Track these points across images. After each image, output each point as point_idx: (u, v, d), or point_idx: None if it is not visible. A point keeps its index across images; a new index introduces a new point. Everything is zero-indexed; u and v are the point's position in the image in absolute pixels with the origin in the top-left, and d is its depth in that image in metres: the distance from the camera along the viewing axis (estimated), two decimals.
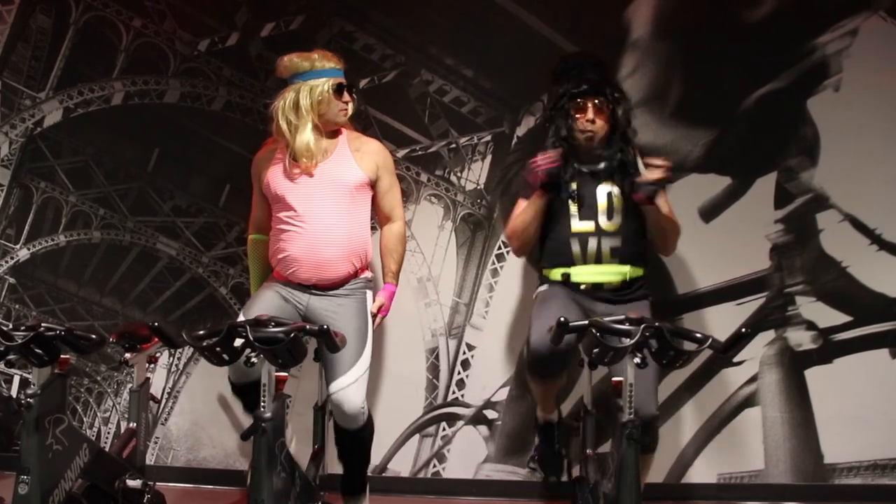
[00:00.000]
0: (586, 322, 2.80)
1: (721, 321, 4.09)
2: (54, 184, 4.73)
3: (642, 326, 2.71)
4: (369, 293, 3.47)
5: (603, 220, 3.39)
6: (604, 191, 3.42)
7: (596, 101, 3.39)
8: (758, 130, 4.15)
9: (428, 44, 4.50)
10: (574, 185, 3.42)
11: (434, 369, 4.48)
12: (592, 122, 3.39)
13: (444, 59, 4.50)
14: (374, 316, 3.46)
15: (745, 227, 4.15)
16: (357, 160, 3.39)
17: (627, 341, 2.72)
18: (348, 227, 3.37)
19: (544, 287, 3.51)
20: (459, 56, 4.49)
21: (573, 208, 3.40)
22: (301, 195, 3.36)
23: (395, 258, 3.52)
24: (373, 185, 3.44)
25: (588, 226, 3.39)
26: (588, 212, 3.39)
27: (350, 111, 3.41)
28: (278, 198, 3.39)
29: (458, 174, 4.53)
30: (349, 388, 3.32)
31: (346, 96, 3.37)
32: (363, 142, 3.46)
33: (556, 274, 3.44)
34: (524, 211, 3.50)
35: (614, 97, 3.40)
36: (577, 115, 3.42)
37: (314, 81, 3.32)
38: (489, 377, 4.40)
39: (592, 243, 3.38)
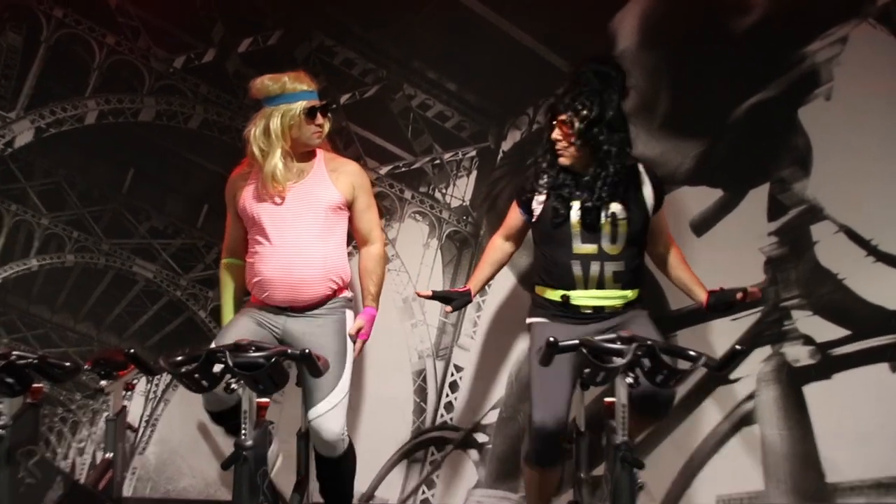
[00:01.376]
0: (577, 341, 2.78)
1: (716, 337, 4.10)
2: (26, 206, 4.72)
3: (634, 345, 2.69)
4: (349, 313, 3.44)
5: (606, 244, 3.32)
6: (606, 211, 3.33)
7: (563, 118, 3.29)
8: (749, 141, 4.16)
9: (410, 57, 4.51)
10: (577, 205, 3.33)
11: (421, 392, 4.47)
12: (558, 139, 3.31)
13: (426, 73, 4.51)
14: (353, 338, 3.42)
15: (738, 241, 4.15)
16: (333, 180, 3.37)
17: (619, 361, 2.70)
18: (324, 248, 3.35)
19: (539, 320, 3.43)
20: (442, 69, 4.50)
21: (575, 228, 3.33)
22: (276, 216, 3.34)
23: (375, 280, 3.48)
24: (349, 205, 3.42)
25: (591, 248, 3.32)
26: (590, 234, 3.31)
27: (325, 132, 3.39)
28: (253, 220, 3.37)
29: (443, 191, 4.53)
30: (327, 414, 3.29)
31: (320, 119, 3.34)
32: (340, 163, 3.44)
33: (554, 294, 3.38)
34: (482, 264, 3.57)
35: (575, 110, 3.25)
36: (552, 133, 3.35)
37: (286, 106, 3.29)
38: (478, 399, 4.39)
39: (595, 267, 3.31)
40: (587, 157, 3.32)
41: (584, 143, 3.27)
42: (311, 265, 3.32)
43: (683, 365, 2.76)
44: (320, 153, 3.44)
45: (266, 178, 3.30)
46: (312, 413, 3.31)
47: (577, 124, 3.26)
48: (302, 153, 3.38)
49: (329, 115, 3.40)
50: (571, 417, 3.36)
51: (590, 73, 3.28)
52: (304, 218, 3.34)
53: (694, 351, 2.76)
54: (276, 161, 3.29)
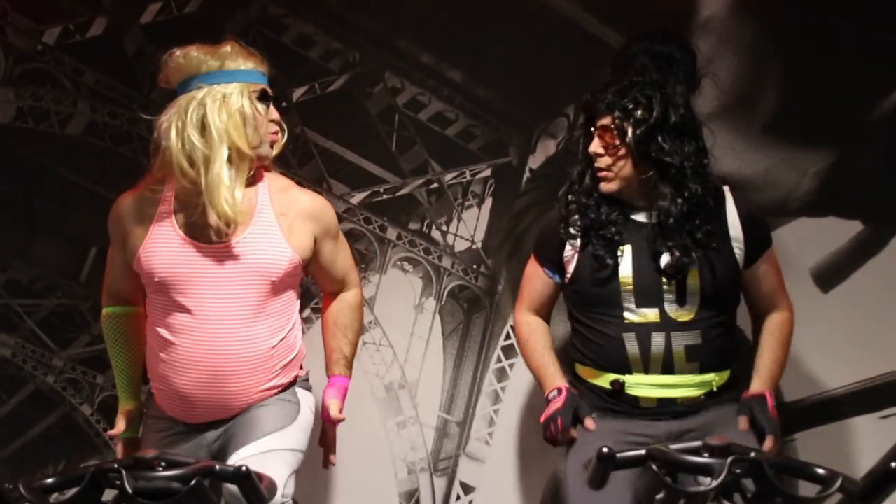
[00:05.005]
0: (643, 452, 2.64)
1: (854, 445, 4.03)
2: None
3: (730, 459, 2.59)
4: (305, 394, 3.46)
5: (671, 307, 3.32)
6: (672, 257, 3.31)
7: (604, 123, 3.30)
8: None
9: (395, 34, 4.60)
10: (628, 250, 3.34)
11: None
12: (597, 155, 3.32)
13: (418, 57, 4.59)
14: (334, 422, 3.44)
15: (885, 300, 4.05)
16: (285, 231, 3.32)
17: (708, 482, 2.61)
18: (268, 337, 3.32)
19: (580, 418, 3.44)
20: (442, 51, 4.56)
21: (626, 285, 3.32)
22: (195, 288, 3.27)
23: (350, 338, 3.53)
24: (308, 263, 3.42)
25: (650, 314, 3.33)
26: (648, 293, 3.31)
27: (281, 140, 3.37)
28: (156, 284, 3.30)
29: (444, 227, 4.59)
30: (262, 456, 3.22)
31: (274, 113, 3.33)
32: (292, 198, 3.38)
33: (602, 379, 3.40)
34: (532, 357, 3.56)
35: (624, 109, 3.25)
36: (589, 147, 3.36)
37: (230, 85, 3.24)
38: None
39: (658, 341, 3.32)
40: (642, 180, 3.32)
41: (641, 160, 3.27)
42: (249, 368, 3.30)
43: (808, 490, 2.68)
44: (264, 180, 3.38)
45: (216, 207, 3.18)
46: (236, 455, 3.24)
47: (628, 132, 3.26)
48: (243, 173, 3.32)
49: (283, 111, 3.43)
50: None
51: (644, 57, 3.33)
52: (237, 293, 3.28)
53: (824, 468, 2.64)
54: (223, 176, 3.18)
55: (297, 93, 4.56)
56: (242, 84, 3.26)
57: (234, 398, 3.32)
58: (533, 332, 3.57)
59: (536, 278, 3.51)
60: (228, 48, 3.29)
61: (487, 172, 4.55)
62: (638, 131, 3.23)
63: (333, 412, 3.40)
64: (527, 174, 4.49)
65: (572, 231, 3.37)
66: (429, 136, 4.56)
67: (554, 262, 3.44)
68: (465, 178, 4.56)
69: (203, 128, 3.19)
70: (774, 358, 3.44)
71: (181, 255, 3.27)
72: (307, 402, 3.44)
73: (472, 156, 4.55)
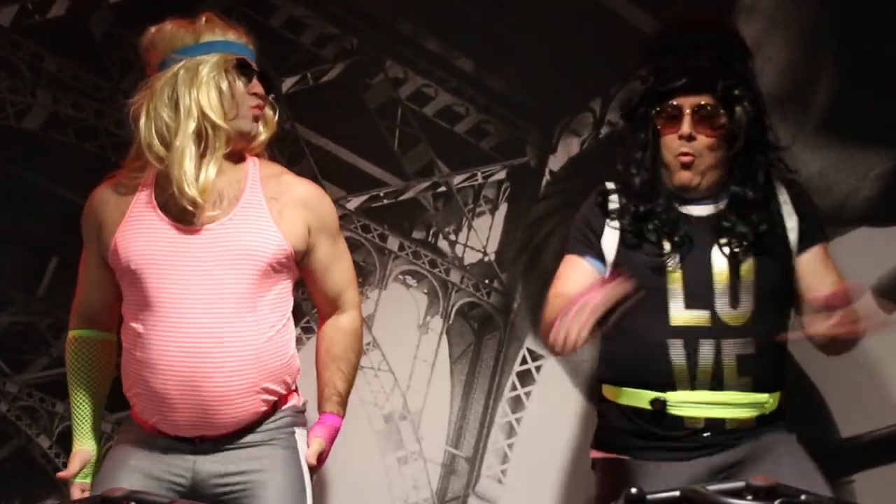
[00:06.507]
0: (677, 493, 2.72)
1: None
2: None
3: (778, 502, 2.62)
4: (301, 432, 3.44)
5: (723, 308, 3.34)
6: (723, 253, 3.37)
7: (701, 102, 3.36)
8: None
9: (397, 17, 4.58)
10: (669, 245, 3.38)
11: None
12: (690, 138, 3.36)
13: (424, 44, 4.57)
14: (312, 470, 3.42)
15: None
16: (275, 215, 3.35)
17: None
18: (255, 333, 3.31)
19: (607, 454, 3.45)
20: (451, 37, 4.53)
21: (675, 283, 3.35)
22: (174, 275, 3.28)
23: (345, 371, 3.50)
24: (302, 258, 3.41)
25: (700, 316, 3.34)
26: (699, 291, 3.34)
27: (265, 127, 3.42)
28: (132, 274, 3.31)
29: (452, 237, 4.57)
30: None
31: (258, 86, 3.35)
32: (285, 184, 3.42)
33: (640, 399, 3.39)
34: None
35: (733, 95, 3.35)
36: (666, 130, 3.38)
37: (206, 56, 3.29)
38: None
39: (707, 349, 3.33)
40: (719, 168, 3.41)
41: (737, 144, 3.36)
42: (231, 367, 3.27)
43: None
44: (253, 162, 3.42)
45: (180, 185, 3.23)
46: None
47: (743, 117, 3.34)
48: (228, 154, 3.36)
49: (271, 94, 3.44)
50: None
51: (705, 40, 3.42)
52: (223, 280, 3.29)
53: None
54: (186, 151, 3.23)
55: (287, 84, 4.56)
56: (219, 54, 3.33)
57: (217, 403, 3.28)
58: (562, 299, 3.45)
59: (574, 271, 3.46)
60: (204, 20, 3.36)
61: (502, 175, 4.53)
62: (749, 111, 3.33)
63: (310, 454, 3.41)
64: (546, 177, 4.48)
65: (620, 221, 3.42)
66: (435, 133, 4.54)
67: (598, 251, 3.44)
68: (477, 180, 4.54)
69: (174, 102, 3.28)
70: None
71: (160, 239, 3.31)
72: (305, 448, 3.44)
73: (484, 156, 4.54)
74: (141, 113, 3.28)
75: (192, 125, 3.24)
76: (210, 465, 3.32)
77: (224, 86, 3.29)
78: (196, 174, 3.24)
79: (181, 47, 3.30)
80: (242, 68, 3.32)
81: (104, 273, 3.41)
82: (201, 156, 3.27)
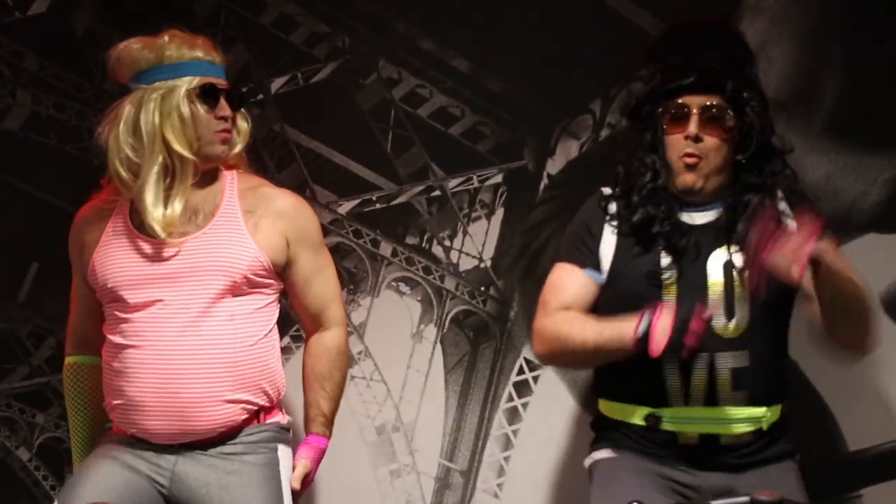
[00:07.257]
0: None
1: None
2: None
3: None
4: (284, 450, 3.43)
5: (718, 318, 3.29)
6: (719, 261, 3.33)
7: (709, 103, 3.32)
8: None
9: (391, 15, 4.61)
10: (667, 254, 3.34)
11: None
12: (696, 139, 3.32)
13: (419, 43, 4.59)
14: (296, 494, 3.42)
15: None
16: (251, 228, 3.37)
17: None
18: (231, 343, 3.33)
19: (603, 453, 3.46)
20: (446, 36, 4.56)
21: (669, 295, 3.30)
22: (150, 290, 3.31)
23: (329, 391, 3.50)
24: (283, 270, 3.44)
25: None
26: (694, 302, 3.23)
27: (239, 138, 3.43)
28: (110, 293, 3.35)
29: (447, 242, 4.57)
30: None
31: (225, 108, 3.36)
32: (262, 196, 3.45)
33: (634, 415, 3.36)
34: (586, 329, 3.41)
35: (741, 97, 3.34)
36: (672, 130, 3.35)
37: (168, 83, 3.29)
38: None
39: (700, 363, 3.27)
40: (724, 180, 3.38)
41: (745, 146, 3.34)
42: (207, 374, 3.30)
43: None
44: (230, 175, 3.45)
45: (145, 215, 3.28)
46: None
47: (753, 118, 3.32)
48: (201, 174, 3.41)
49: (244, 108, 3.44)
50: None
51: (715, 41, 3.41)
52: (195, 293, 3.32)
53: None
54: (148, 188, 3.27)
55: (277, 84, 4.61)
56: (182, 79, 3.34)
57: (193, 409, 3.30)
58: (576, 315, 3.43)
59: (572, 281, 3.42)
60: (167, 38, 3.36)
61: (498, 178, 4.53)
62: (758, 113, 3.32)
63: (294, 477, 3.42)
64: (544, 181, 4.46)
65: (619, 227, 3.39)
66: (430, 135, 4.56)
67: (595, 259, 3.41)
68: (473, 184, 4.55)
69: (137, 133, 3.31)
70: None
71: (135, 257, 3.35)
72: (288, 467, 3.46)
73: (480, 159, 4.54)
74: (108, 141, 3.32)
75: (157, 159, 3.29)
76: (190, 468, 3.33)
77: (188, 114, 3.32)
78: (162, 212, 3.30)
79: (146, 68, 3.32)
80: (206, 95, 3.33)
81: (91, 296, 3.44)
82: (168, 188, 3.32)
